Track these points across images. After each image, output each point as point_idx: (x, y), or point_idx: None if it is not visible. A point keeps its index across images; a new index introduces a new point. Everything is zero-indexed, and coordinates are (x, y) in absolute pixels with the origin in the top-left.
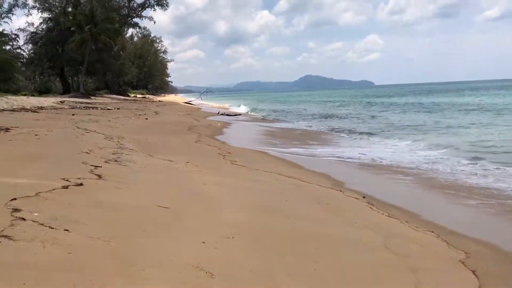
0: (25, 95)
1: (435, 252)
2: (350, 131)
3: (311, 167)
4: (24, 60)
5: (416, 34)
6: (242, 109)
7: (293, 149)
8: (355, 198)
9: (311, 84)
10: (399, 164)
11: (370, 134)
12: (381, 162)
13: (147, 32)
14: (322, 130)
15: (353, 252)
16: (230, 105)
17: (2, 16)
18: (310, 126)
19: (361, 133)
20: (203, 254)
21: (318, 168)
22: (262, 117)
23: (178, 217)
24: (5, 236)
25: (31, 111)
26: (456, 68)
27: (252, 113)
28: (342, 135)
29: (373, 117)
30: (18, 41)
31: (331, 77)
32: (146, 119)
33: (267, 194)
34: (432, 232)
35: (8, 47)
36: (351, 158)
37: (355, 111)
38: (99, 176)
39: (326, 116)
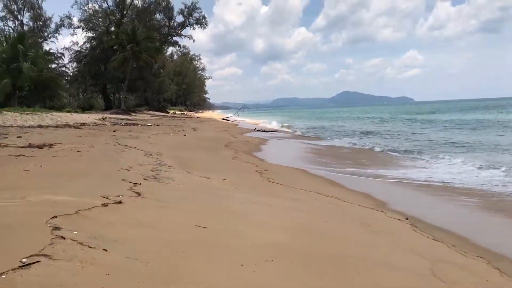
0: (69, 111)
1: (486, 281)
2: (398, 150)
3: (352, 186)
4: (69, 77)
5: (457, 49)
6: (276, 125)
7: (349, 169)
8: (398, 219)
9: (348, 100)
10: (464, 184)
11: (420, 152)
12: (447, 183)
13: (187, 50)
14: (368, 148)
15: (398, 277)
16: (263, 121)
17: (49, 36)
18: (354, 144)
19: (409, 151)
20: (241, 278)
21: (359, 187)
22: (300, 134)
23: (216, 238)
24: (45, 255)
25: (74, 128)
26: (498, 84)
27: (289, 129)
28: (392, 153)
29: (415, 134)
30: (63, 59)
31: (369, 93)
32: (185, 135)
33: (306, 214)
34: (482, 258)
35: (54, 66)
36: (416, 179)
37: (395, 127)
38: (138, 194)
39: (367, 133)
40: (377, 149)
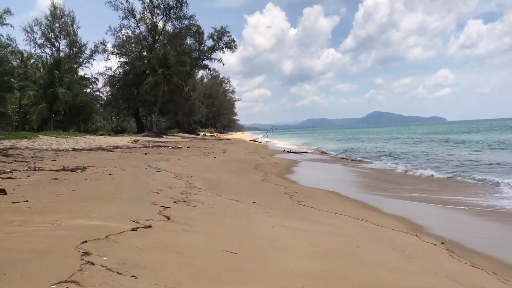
0: (102, 134)
1: None
2: (452, 172)
3: (386, 208)
4: (103, 101)
5: (490, 67)
6: (305, 146)
7: (413, 194)
8: (433, 244)
9: (379, 120)
10: None
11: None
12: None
13: (216, 73)
14: (418, 170)
15: None
16: (292, 143)
17: (84, 62)
18: (396, 165)
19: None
20: None
21: (393, 210)
22: (332, 155)
23: (246, 264)
24: (74, 282)
25: (107, 150)
26: None
27: (319, 151)
28: (445, 176)
29: (453, 155)
30: (97, 83)
31: (400, 113)
32: (214, 157)
33: (337, 238)
34: None
35: (88, 90)
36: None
37: (430, 147)
38: (168, 218)
39: (404, 154)
40: (429, 172)
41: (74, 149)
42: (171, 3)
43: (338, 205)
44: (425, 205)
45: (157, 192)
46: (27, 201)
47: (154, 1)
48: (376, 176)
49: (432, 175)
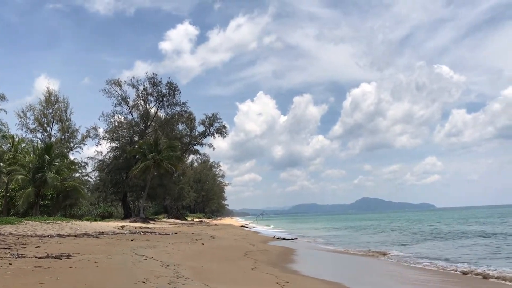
0: (88, 220)
1: None
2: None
3: None
4: (91, 186)
5: (476, 155)
6: (294, 232)
7: None
8: None
9: (369, 207)
10: None
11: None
12: None
13: (206, 158)
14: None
15: None
16: (282, 229)
17: (75, 146)
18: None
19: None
20: None
21: None
22: (323, 242)
23: None
24: None
25: (93, 237)
26: None
27: (310, 238)
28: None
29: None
30: (86, 168)
31: (389, 199)
32: (203, 244)
33: None
34: None
35: (77, 174)
36: None
37: (433, 238)
38: None
39: (404, 244)
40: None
41: (59, 235)
42: (164, 91)
43: None
44: None
45: (143, 282)
46: None
47: (148, 89)
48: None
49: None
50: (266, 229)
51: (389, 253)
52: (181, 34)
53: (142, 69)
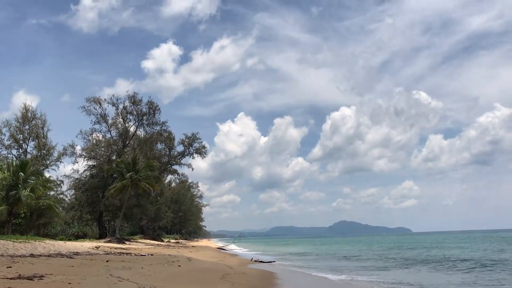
0: (62, 239)
1: None
2: None
3: None
4: (66, 205)
5: (452, 180)
6: (272, 256)
7: None
8: None
9: (346, 230)
10: None
11: None
12: None
13: (185, 178)
14: None
15: None
16: (260, 252)
17: (51, 164)
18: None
19: None
20: None
21: None
22: (300, 266)
23: None
24: None
25: (67, 257)
26: (491, 216)
27: (288, 261)
28: None
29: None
30: (62, 186)
31: (366, 223)
32: (179, 266)
33: None
34: None
35: (52, 193)
36: None
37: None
38: None
39: (383, 269)
40: None
41: (32, 255)
42: (144, 109)
43: None
44: None
45: None
46: None
47: (128, 108)
48: None
49: None
50: (244, 251)
51: (371, 279)
52: (164, 54)
53: (124, 87)
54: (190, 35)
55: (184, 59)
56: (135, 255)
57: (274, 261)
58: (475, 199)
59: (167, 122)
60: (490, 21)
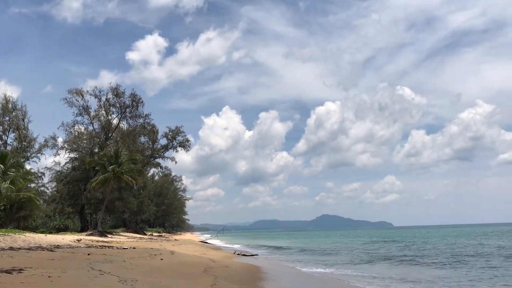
0: (43, 232)
1: None
2: None
3: None
4: (47, 197)
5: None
6: (255, 249)
7: None
8: None
9: (328, 223)
10: None
11: None
12: None
13: (168, 172)
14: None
15: None
16: (243, 245)
17: (32, 156)
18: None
19: None
20: None
21: None
22: (283, 259)
23: None
24: None
25: (48, 250)
26: (471, 211)
27: (271, 254)
28: None
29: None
30: (43, 179)
31: (348, 217)
32: (162, 259)
33: None
34: None
35: (33, 185)
36: None
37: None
38: None
39: (370, 261)
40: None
41: (11, 248)
42: (127, 102)
43: None
44: None
45: None
46: None
47: (111, 100)
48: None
49: None
50: (227, 245)
51: (355, 274)
52: (149, 45)
53: (107, 79)
54: (176, 27)
55: (170, 51)
56: (117, 248)
57: (257, 254)
58: (456, 195)
59: (150, 114)
60: (472, 18)
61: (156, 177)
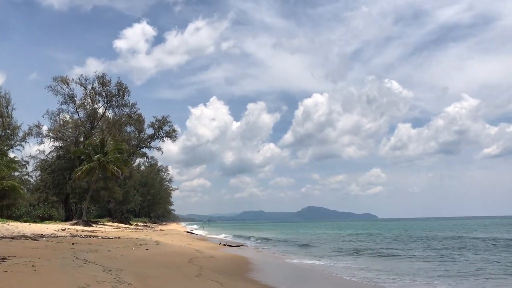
0: (26, 221)
1: None
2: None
3: None
4: (31, 186)
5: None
6: (241, 239)
7: None
8: None
9: (314, 215)
10: None
11: None
12: None
13: (154, 161)
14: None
15: None
16: (229, 235)
17: (16, 144)
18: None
19: None
20: None
21: None
22: (268, 249)
23: None
24: None
25: (31, 239)
26: (455, 203)
27: (257, 244)
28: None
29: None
30: (27, 167)
31: (334, 209)
32: (147, 249)
33: None
34: None
35: (17, 174)
36: None
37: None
38: None
39: (357, 252)
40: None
41: None
42: (113, 91)
43: None
44: None
45: (84, 287)
46: None
47: (96, 89)
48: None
49: None
50: (213, 235)
51: (341, 265)
52: (137, 34)
53: (94, 67)
54: (165, 15)
55: (158, 40)
56: (102, 238)
57: (243, 245)
58: (440, 188)
59: (136, 104)
60: (459, 13)
61: (142, 167)
